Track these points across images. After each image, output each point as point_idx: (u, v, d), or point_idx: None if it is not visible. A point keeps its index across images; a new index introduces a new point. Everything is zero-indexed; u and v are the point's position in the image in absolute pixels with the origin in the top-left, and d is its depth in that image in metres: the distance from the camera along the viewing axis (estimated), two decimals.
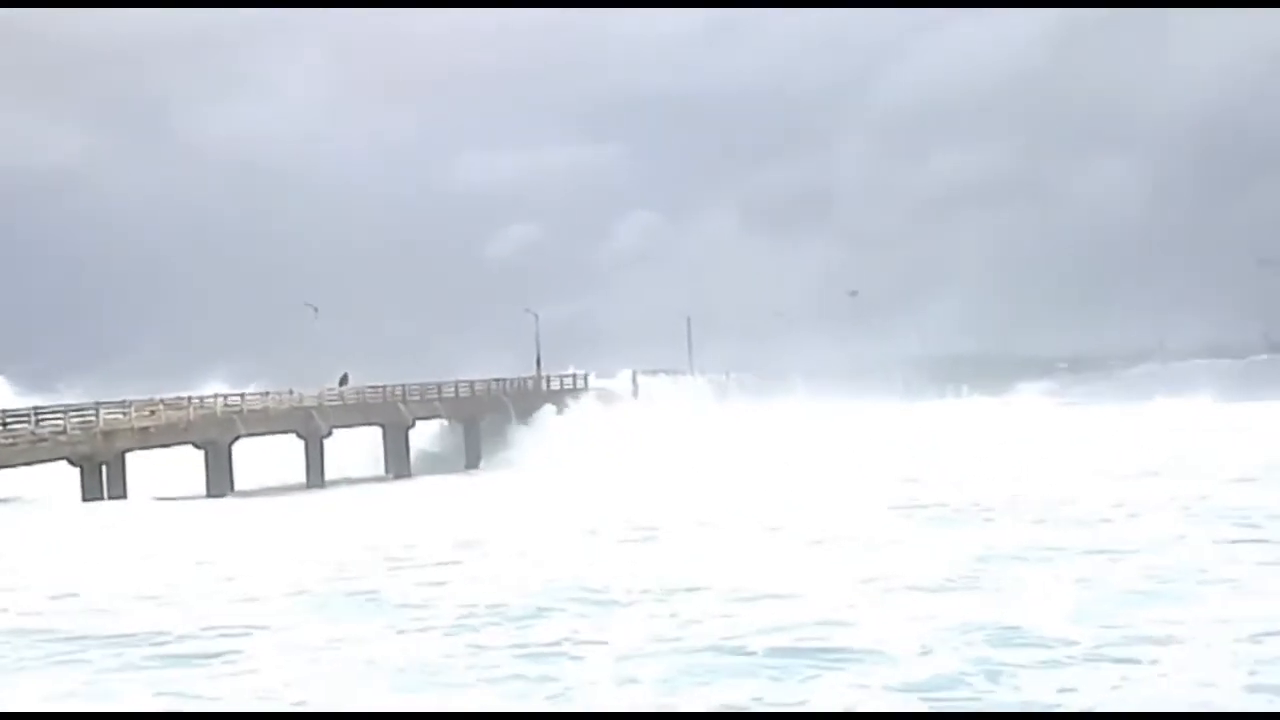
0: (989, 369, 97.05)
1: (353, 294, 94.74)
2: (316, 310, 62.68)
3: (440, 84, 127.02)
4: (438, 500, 39.04)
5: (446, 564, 23.32)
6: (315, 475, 51.06)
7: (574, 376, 67.76)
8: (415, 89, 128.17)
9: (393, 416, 55.92)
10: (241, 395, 51.11)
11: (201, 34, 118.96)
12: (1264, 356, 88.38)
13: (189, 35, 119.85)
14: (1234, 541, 22.36)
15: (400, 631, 17.52)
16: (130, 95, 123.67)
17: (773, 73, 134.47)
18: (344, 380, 59.44)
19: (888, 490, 32.54)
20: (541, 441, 57.35)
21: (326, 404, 54.33)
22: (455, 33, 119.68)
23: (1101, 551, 21.65)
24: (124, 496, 43.77)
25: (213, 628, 18.06)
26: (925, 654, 14.79)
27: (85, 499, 42.68)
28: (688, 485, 37.26)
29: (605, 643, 15.98)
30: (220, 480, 47.41)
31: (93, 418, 44.22)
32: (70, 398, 47.42)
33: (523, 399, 62.64)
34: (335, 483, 50.22)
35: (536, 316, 72.85)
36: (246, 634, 17.53)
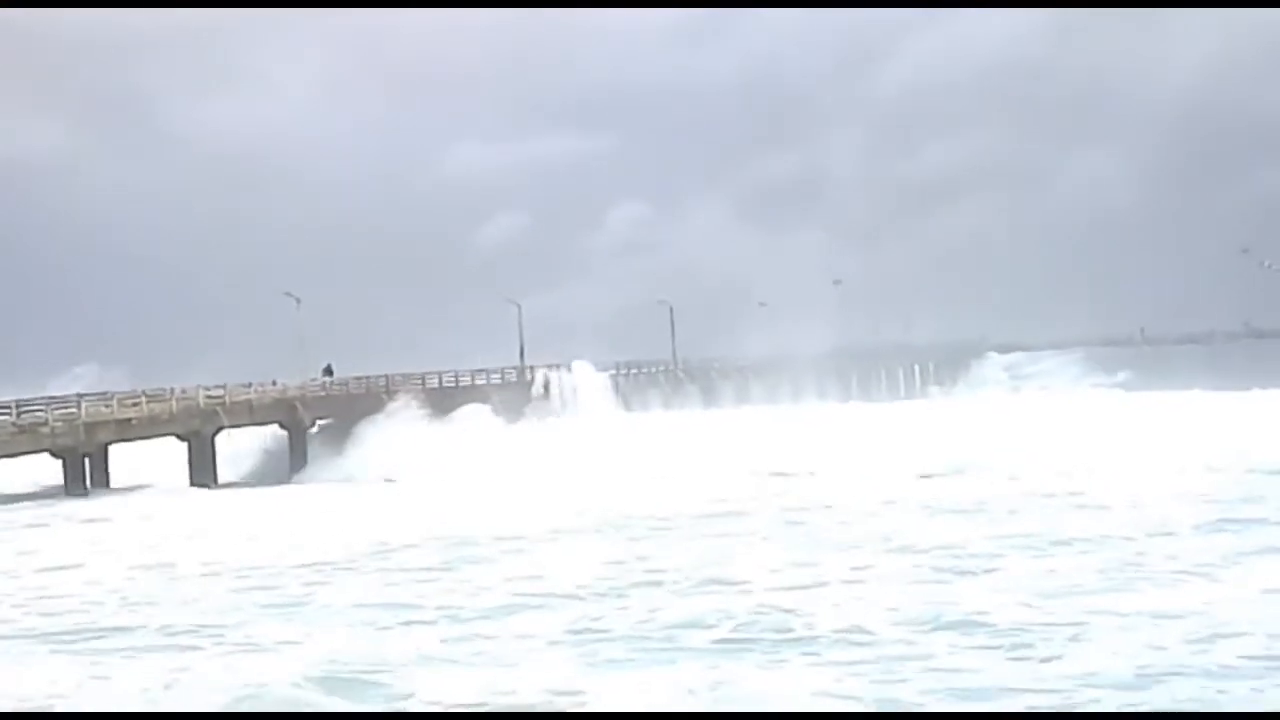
0: (964, 358, 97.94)
1: (340, 286, 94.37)
2: (299, 301, 62.32)
3: (429, 76, 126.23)
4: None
5: None
6: (299, 468, 50.85)
7: (553, 368, 67.63)
8: (404, 81, 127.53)
9: (377, 408, 55.69)
10: (224, 386, 50.80)
11: (186, 27, 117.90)
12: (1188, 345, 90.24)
13: (174, 29, 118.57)
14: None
15: None
16: (115, 89, 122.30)
17: (762, 64, 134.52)
18: (328, 372, 59.23)
19: None
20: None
21: (310, 395, 54.14)
22: (444, 25, 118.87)
23: None
24: (107, 488, 43.77)
25: None
26: None
27: (68, 491, 42.44)
28: None
29: None
30: (203, 472, 47.17)
31: (75, 410, 43.91)
32: (54, 391, 46.97)
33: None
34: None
35: (519, 307, 72.67)
36: None
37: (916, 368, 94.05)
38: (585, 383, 67.35)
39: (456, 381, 61.04)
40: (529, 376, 65.69)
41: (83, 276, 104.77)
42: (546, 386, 65.37)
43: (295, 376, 56.19)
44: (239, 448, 51.16)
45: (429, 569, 22.72)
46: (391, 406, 54.47)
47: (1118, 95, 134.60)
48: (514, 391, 63.04)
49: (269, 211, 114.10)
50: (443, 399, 58.53)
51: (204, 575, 23.16)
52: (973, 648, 14.96)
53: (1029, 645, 14.90)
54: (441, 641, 16.52)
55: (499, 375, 63.87)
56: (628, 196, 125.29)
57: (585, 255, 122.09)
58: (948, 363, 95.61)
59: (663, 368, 76.51)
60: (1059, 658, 14.38)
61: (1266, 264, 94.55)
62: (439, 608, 18.89)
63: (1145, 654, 14.21)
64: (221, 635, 17.51)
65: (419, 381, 59.36)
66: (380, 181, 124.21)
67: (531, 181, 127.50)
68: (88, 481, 43.41)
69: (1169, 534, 22.78)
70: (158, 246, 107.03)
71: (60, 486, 42.83)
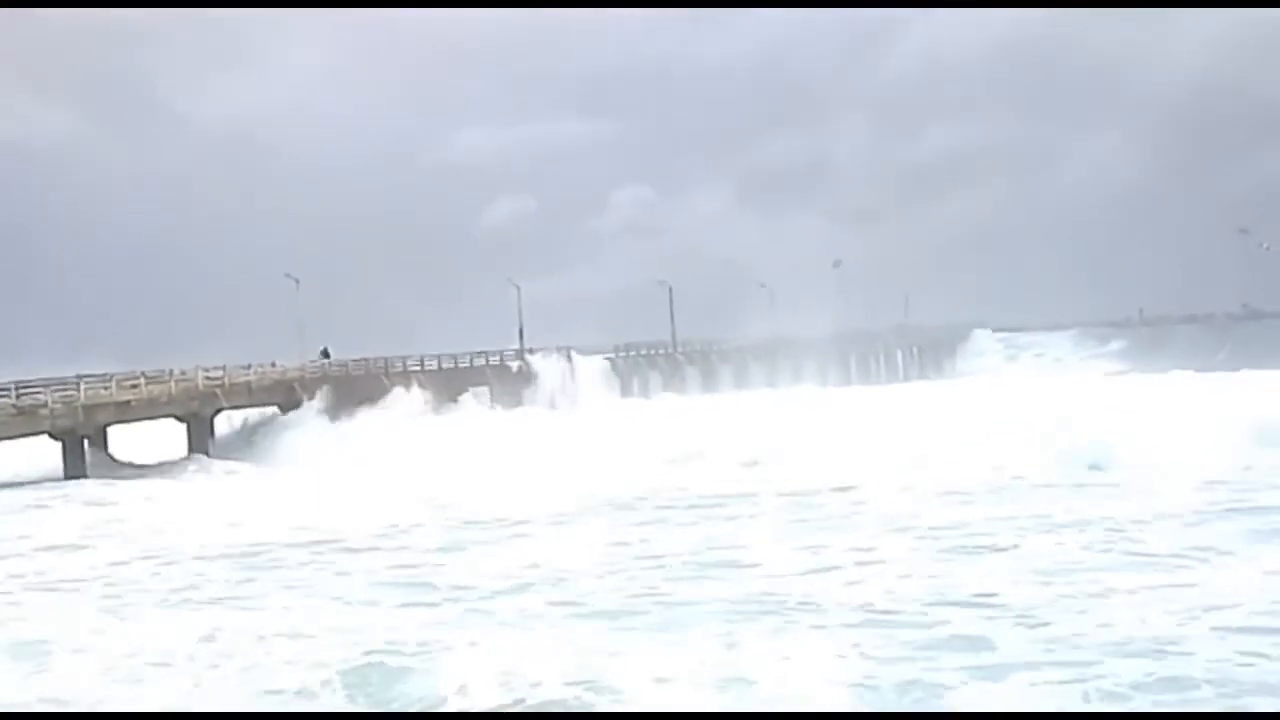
0: (961, 339, 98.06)
1: (344, 269, 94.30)
2: (299, 283, 62.26)
3: (434, 59, 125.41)
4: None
5: None
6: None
7: (557, 350, 67.59)
8: (408, 65, 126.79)
9: (376, 389, 55.67)
10: (223, 368, 50.75)
11: (190, 12, 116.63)
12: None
13: (177, 13, 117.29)
14: None
15: None
16: (118, 73, 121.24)
17: (768, 47, 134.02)
18: (325, 354, 59.07)
19: None
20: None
21: (309, 377, 54.09)
22: (448, 8, 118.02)
23: None
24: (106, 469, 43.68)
25: None
26: None
27: (67, 473, 42.34)
28: None
29: None
30: (202, 453, 47.13)
31: (74, 392, 43.82)
32: (53, 374, 46.83)
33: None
34: None
35: (519, 289, 72.61)
36: None
37: (915, 349, 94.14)
38: (582, 367, 67.36)
39: (455, 364, 61.01)
40: (528, 360, 65.65)
41: (85, 261, 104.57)
42: (547, 371, 65.35)
43: (295, 359, 56.22)
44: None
45: (440, 549, 22.81)
46: (395, 393, 54.45)
47: (1120, 79, 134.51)
48: (513, 375, 63.02)
49: (272, 195, 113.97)
50: (441, 382, 58.54)
51: (217, 556, 23.14)
52: (979, 620, 15.13)
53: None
54: (458, 616, 16.64)
55: (498, 358, 63.82)
56: (631, 180, 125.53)
57: (589, 239, 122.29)
58: (946, 344, 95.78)
59: (662, 350, 76.43)
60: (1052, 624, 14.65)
61: (1264, 246, 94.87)
62: (453, 586, 19.01)
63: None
64: (236, 613, 17.46)
65: (417, 364, 59.42)
66: (384, 165, 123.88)
67: (535, 165, 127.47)
68: (87, 463, 43.32)
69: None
70: (161, 230, 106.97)
71: (58, 467, 42.84)
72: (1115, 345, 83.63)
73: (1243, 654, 13.18)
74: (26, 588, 20.67)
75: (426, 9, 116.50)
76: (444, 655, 14.28)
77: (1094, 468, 30.22)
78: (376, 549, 23.23)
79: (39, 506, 33.63)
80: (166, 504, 33.19)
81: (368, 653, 14.50)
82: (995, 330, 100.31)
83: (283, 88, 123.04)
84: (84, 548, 25.13)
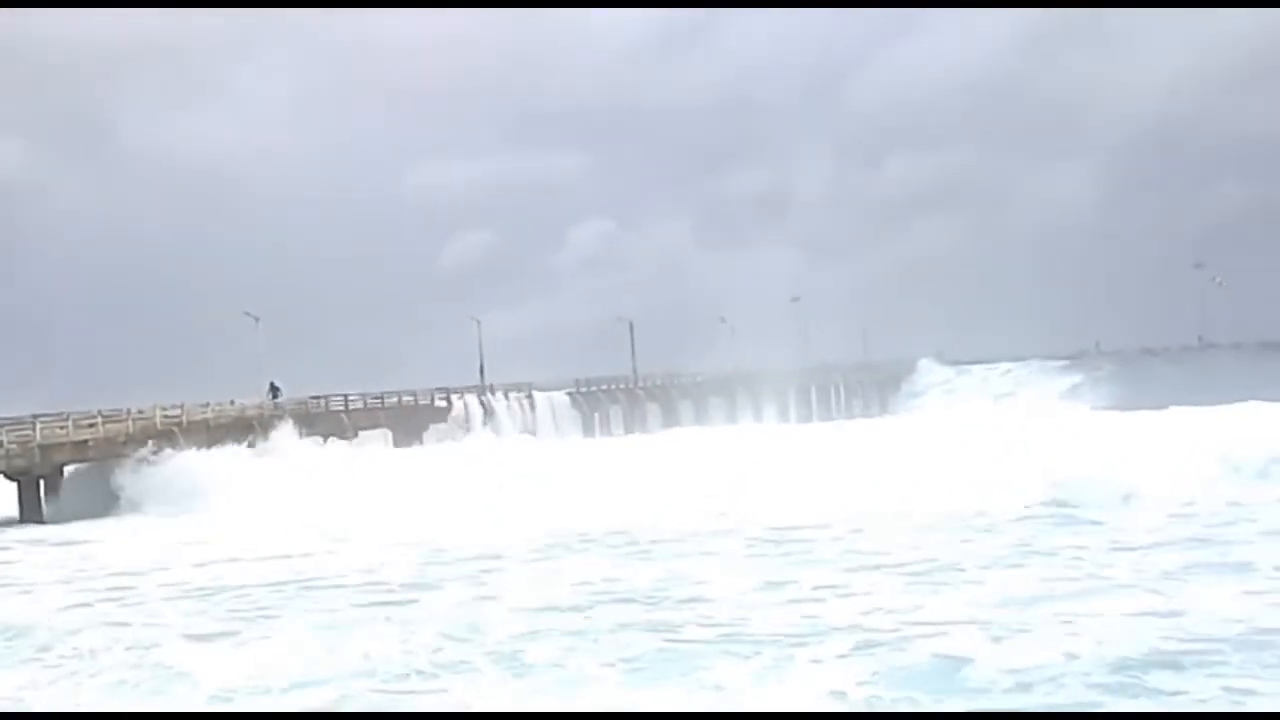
0: (918, 372, 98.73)
1: (302, 303, 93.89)
2: (258, 320, 61.92)
3: (396, 93, 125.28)
4: None
5: None
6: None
7: (520, 389, 67.62)
8: (370, 98, 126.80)
9: (335, 427, 55.46)
10: (181, 406, 50.31)
11: (150, 44, 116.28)
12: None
13: (138, 45, 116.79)
14: None
15: None
16: (74, 104, 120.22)
17: (730, 82, 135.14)
18: (274, 391, 58.28)
19: None
20: None
21: (268, 415, 53.72)
22: (410, 42, 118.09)
23: None
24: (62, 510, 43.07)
25: None
26: None
27: (23, 516, 41.77)
28: None
29: None
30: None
31: (30, 431, 43.29)
32: (8, 412, 46.26)
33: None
34: None
35: (479, 323, 72.65)
36: None
37: (875, 384, 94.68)
38: (543, 404, 67.42)
39: (416, 401, 60.88)
40: (489, 399, 65.64)
41: (40, 297, 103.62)
42: (506, 409, 65.33)
43: (254, 396, 55.90)
44: None
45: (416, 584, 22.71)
46: (355, 431, 54.22)
47: (1080, 113, 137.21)
48: (472, 413, 62.90)
49: (230, 230, 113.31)
50: (401, 419, 58.42)
51: (183, 596, 22.88)
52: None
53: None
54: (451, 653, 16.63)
55: (460, 396, 63.71)
56: (593, 213, 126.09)
57: (551, 273, 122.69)
58: (905, 377, 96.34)
59: (623, 385, 76.52)
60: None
61: (1217, 280, 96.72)
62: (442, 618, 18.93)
63: None
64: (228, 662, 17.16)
65: (377, 400, 59.25)
66: (345, 199, 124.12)
67: (496, 199, 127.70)
68: (43, 505, 42.74)
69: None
70: (118, 267, 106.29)
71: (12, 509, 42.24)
72: (1071, 376, 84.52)
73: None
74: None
75: (387, 44, 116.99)
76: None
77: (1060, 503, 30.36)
78: (348, 585, 23.07)
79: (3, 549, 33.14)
80: (134, 545, 32.72)
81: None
82: (953, 363, 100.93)
83: (242, 122, 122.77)
84: (54, 590, 24.77)
